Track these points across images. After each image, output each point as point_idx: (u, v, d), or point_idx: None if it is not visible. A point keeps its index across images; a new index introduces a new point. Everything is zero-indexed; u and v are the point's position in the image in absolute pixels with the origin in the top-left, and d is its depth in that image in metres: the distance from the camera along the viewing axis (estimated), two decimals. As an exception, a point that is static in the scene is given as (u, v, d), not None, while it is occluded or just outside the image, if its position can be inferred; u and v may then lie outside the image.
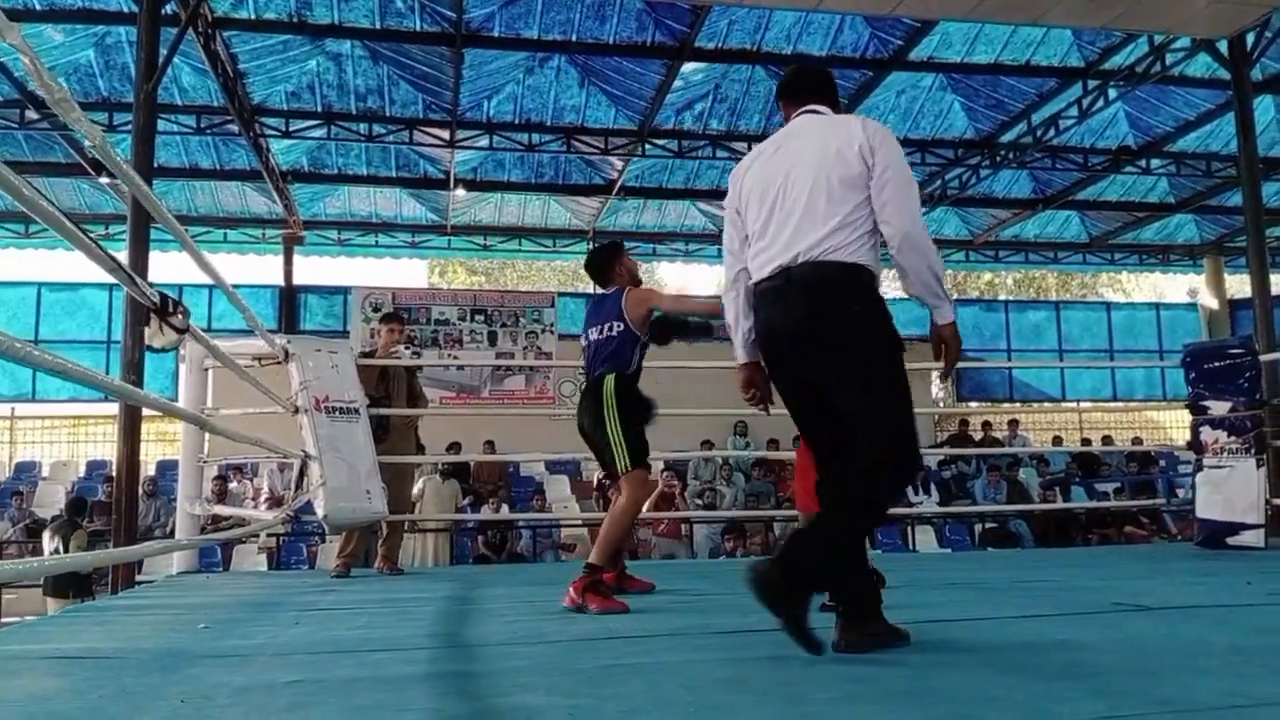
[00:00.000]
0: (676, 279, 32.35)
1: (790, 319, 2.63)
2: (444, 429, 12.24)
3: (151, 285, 3.15)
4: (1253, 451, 6.23)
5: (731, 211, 2.85)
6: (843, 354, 2.58)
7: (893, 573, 5.13)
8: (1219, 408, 6.43)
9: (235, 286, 15.90)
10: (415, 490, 10.07)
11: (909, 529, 11.22)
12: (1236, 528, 6.17)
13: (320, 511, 5.24)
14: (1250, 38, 9.74)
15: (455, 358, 15.10)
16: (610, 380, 4.06)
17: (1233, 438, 6.31)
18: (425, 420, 10.62)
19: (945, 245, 18.58)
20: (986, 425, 15.95)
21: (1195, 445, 6.57)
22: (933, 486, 12.77)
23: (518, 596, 4.25)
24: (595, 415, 4.06)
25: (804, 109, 2.84)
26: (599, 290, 4.63)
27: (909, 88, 12.26)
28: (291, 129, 12.39)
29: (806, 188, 2.61)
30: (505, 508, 11.36)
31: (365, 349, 6.43)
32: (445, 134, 12.62)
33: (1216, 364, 6.59)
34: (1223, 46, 9.84)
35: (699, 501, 11.83)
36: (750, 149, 12.43)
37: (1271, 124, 13.38)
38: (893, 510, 11.20)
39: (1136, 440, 16.21)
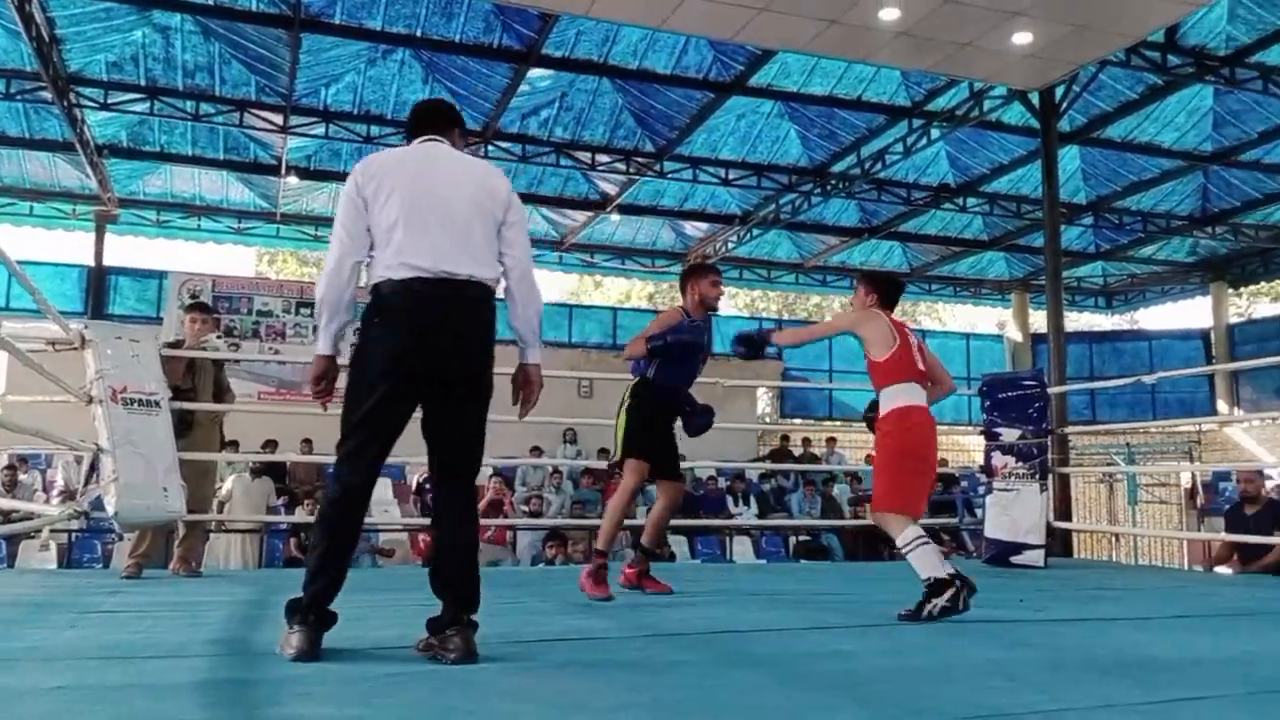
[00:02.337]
0: (516, 283, 32.17)
1: (459, 326, 2.78)
2: (260, 425, 11.75)
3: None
4: (1037, 477, 6.72)
5: (361, 201, 2.80)
6: (479, 372, 2.84)
7: (703, 582, 5.28)
8: (1010, 435, 6.89)
9: (39, 264, 14.78)
10: (224, 490, 9.66)
11: (727, 539, 11.50)
12: (1020, 547, 6.63)
13: (111, 509, 4.96)
14: (1059, 91, 10.47)
15: (277, 351, 14.53)
16: (630, 386, 4.62)
17: (1020, 463, 6.78)
18: (240, 415, 10.20)
19: (777, 267, 19.24)
20: (806, 441, 16.53)
21: (986, 469, 7.02)
22: (752, 499, 13.14)
23: (318, 601, 4.13)
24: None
25: (429, 137, 2.98)
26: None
27: (749, 112, 12.62)
28: (111, 101, 11.67)
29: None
30: (322, 509, 10.99)
31: (178, 338, 6.11)
32: (278, 119, 12.16)
33: (1010, 394, 7.06)
34: (1035, 98, 10.55)
35: (525, 508, 11.78)
36: (594, 159, 12.39)
37: (1076, 172, 14.45)
38: (712, 521, 11.54)
39: (942, 462, 17.14)
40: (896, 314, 4.29)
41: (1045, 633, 3.48)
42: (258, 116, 12.12)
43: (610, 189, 15.13)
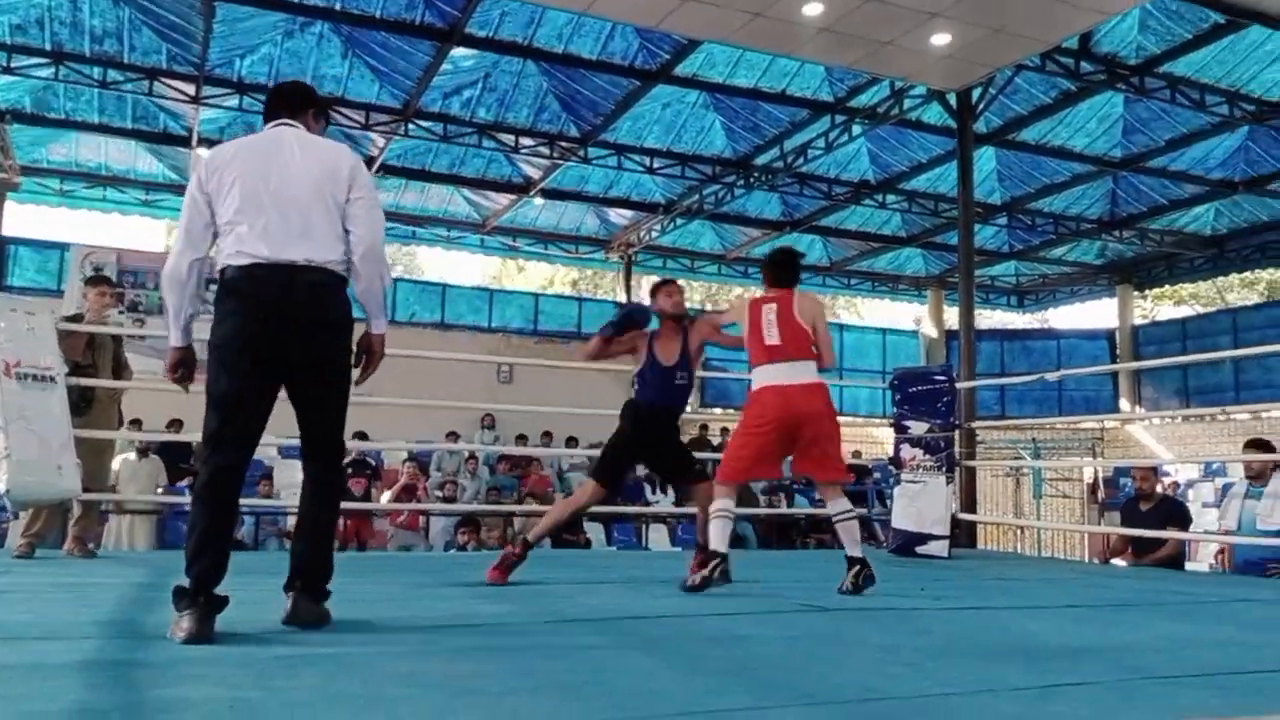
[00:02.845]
0: (437, 265, 31.83)
1: (299, 311, 2.83)
2: (166, 404, 11.40)
3: None
4: (944, 469, 6.87)
5: (204, 197, 2.87)
6: (323, 355, 2.88)
7: (615, 569, 5.30)
8: (918, 428, 7.04)
9: (-74, 231, 13.84)
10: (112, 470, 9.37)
11: (644, 527, 11.55)
12: (925, 538, 6.78)
13: (2, 486, 4.79)
14: (976, 93, 10.70)
15: (186, 329, 14.11)
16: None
17: (928, 456, 6.93)
18: (144, 394, 9.86)
19: (700, 258, 19.35)
20: (725, 431, 16.66)
21: (895, 461, 7.16)
22: (669, 486, 13.20)
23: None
24: None
25: (282, 121, 3.04)
26: None
27: (674, 102, 12.65)
28: (14, 65, 11.20)
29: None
30: (230, 491, 10.73)
31: (78, 311, 5.88)
32: (190, 89, 11.80)
33: (920, 388, 7.21)
34: (953, 99, 10.76)
35: (439, 494, 11.67)
36: (517, 142, 12.25)
37: (992, 173, 14.80)
38: (628, 509, 11.57)
39: (856, 453, 17.43)
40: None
41: (941, 620, 3.57)
42: (168, 86, 11.76)
43: (534, 173, 15.03)
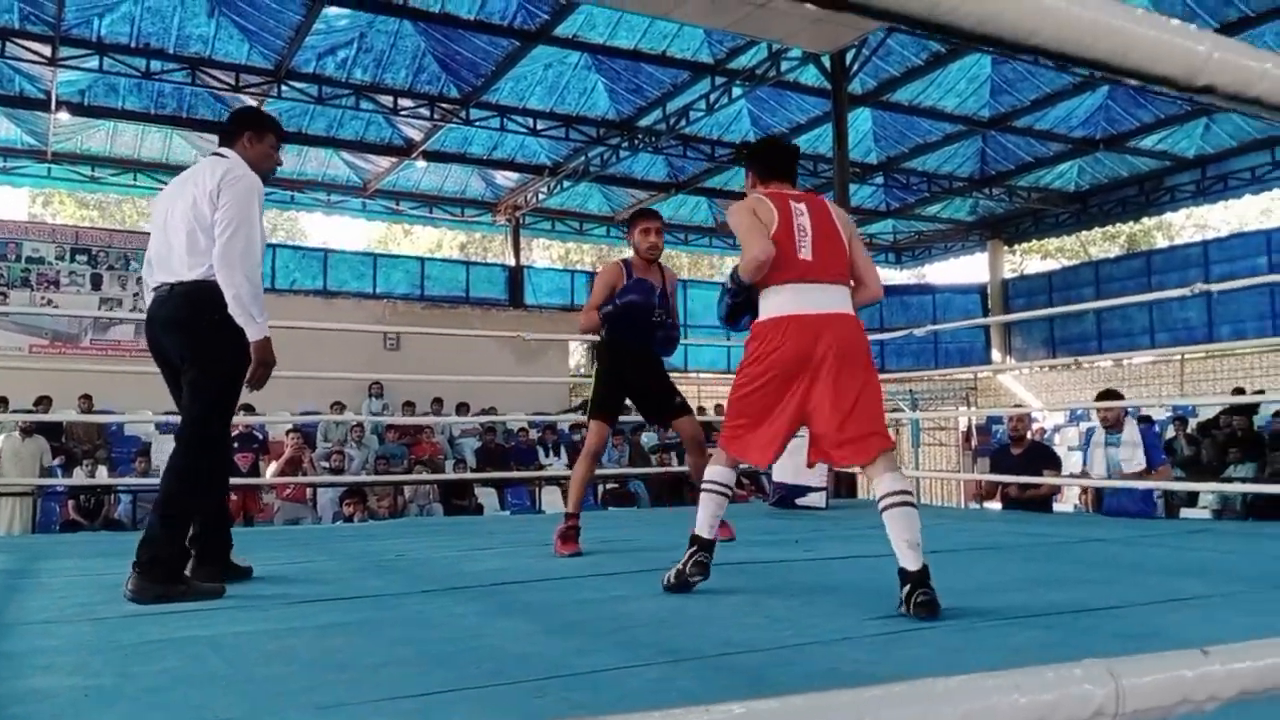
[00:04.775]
0: (320, 230, 31.01)
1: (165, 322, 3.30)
2: (31, 381, 10.93)
3: None
4: (820, 423, 7.08)
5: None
6: (181, 352, 3.26)
7: (501, 534, 5.34)
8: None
9: None
10: (-11, 450, 9.01)
11: (537, 490, 11.61)
12: (804, 490, 7.01)
13: None
14: (850, 55, 10.92)
15: (49, 302, 13.47)
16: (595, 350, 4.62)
17: (805, 410, 7.11)
18: (7, 370, 9.44)
19: (589, 220, 19.32)
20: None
21: (775, 417, 7.34)
22: (562, 449, 13.28)
23: (86, 569, 3.94)
24: None
25: (215, 151, 3.46)
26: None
27: (555, 62, 12.54)
28: None
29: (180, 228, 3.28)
30: (104, 470, 10.38)
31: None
32: (46, 50, 11.18)
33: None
34: (827, 61, 10.96)
35: (325, 465, 11.49)
36: (396, 104, 12.04)
37: (868, 134, 15.13)
38: (521, 474, 11.60)
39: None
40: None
41: (810, 571, 3.72)
42: (22, 46, 11.11)
43: (414, 134, 14.75)
